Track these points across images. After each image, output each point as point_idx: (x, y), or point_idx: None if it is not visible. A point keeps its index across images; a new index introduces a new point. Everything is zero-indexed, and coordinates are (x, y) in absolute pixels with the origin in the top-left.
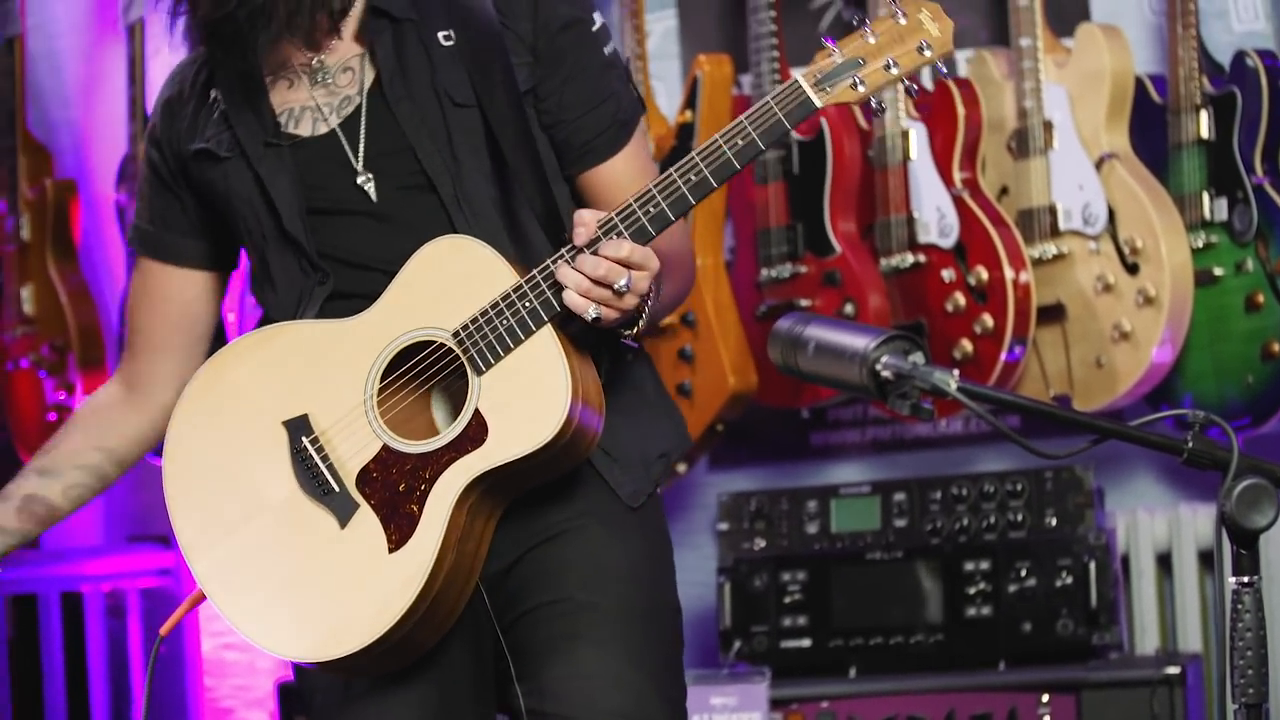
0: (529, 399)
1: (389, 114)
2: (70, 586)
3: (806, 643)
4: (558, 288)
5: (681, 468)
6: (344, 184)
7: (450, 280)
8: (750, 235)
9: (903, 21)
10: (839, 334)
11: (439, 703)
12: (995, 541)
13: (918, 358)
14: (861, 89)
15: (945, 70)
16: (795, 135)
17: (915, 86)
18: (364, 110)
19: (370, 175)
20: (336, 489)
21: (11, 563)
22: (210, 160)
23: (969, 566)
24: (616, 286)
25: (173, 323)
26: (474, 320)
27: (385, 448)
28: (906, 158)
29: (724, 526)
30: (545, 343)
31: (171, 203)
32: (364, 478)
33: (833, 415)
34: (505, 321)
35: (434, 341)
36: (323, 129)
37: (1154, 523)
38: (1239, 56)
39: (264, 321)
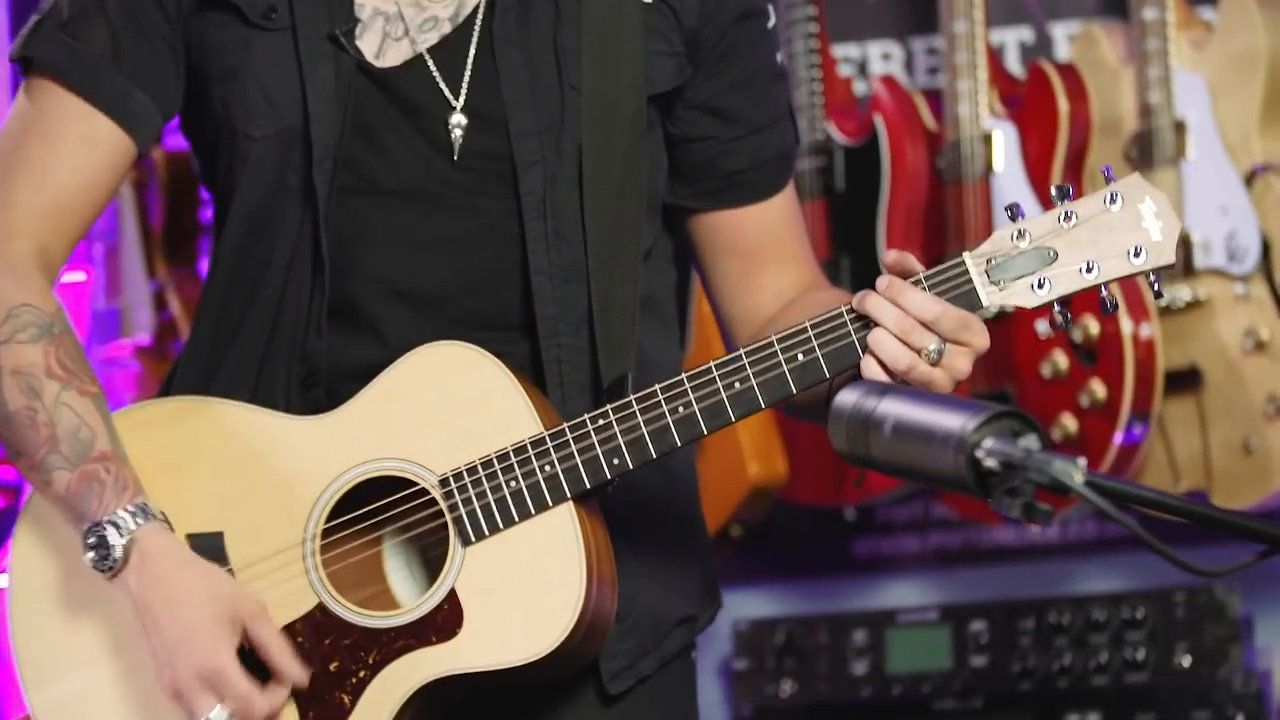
0: (527, 594)
1: (489, 62)
2: None
3: None
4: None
5: None
6: (411, 135)
7: (449, 405)
8: None
9: (1115, 209)
10: (925, 410)
11: None
12: (1108, 687)
13: (1031, 441)
14: (1042, 292)
15: (1159, 288)
16: (840, 138)
17: (1115, 301)
18: (455, 45)
19: (466, 120)
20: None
21: None
22: (233, 20)
23: None
24: (929, 350)
25: (88, 186)
26: (472, 470)
27: (321, 608)
28: (989, 169)
29: (741, 665)
30: (562, 523)
31: (148, 48)
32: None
33: (884, 515)
34: (514, 484)
35: (413, 482)
36: (398, 54)
37: None
38: None
39: (205, 286)
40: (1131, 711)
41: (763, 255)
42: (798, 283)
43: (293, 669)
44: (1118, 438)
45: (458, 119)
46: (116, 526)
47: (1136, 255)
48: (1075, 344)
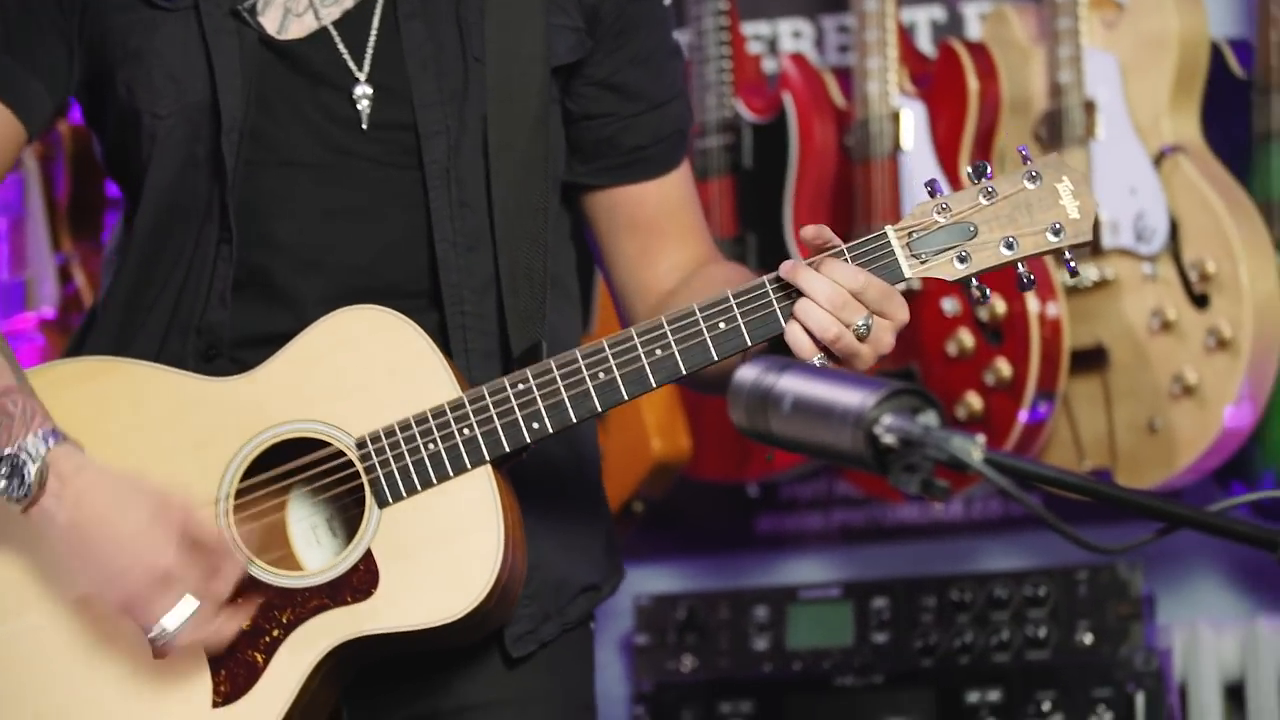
0: (443, 557)
1: (393, 34)
2: None
3: None
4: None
5: None
6: (316, 107)
7: (367, 369)
8: None
9: (1033, 188)
10: (826, 386)
11: None
12: (1009, 665)
13: (930, 418)
14: (963, 267)
15: (1074, 265)
16: (748, 115)
17: (1032, 276)
18: (358, 18)
19: (371, 90)
20: None
21: None
22: (135, 3)
23: (973, 698)
24: (857, 324)
25: None
26: (390, 433)
27: None
28: (897, 147)
29: (642, 640)
30: (479, 487)
31: (41, 36)
32: None
33: (788, 493)
34: (433, 446)
35: (327, 444)
36: (301, 28)
37: (1221, 642)
38: None
39: (117, 269)
40: (1032, 689)
41: (661, 230)
42: (695, 257)
43: (235, 553)
44: (1022, 416)
45: (362, 90)
46: (28, 453)
47: (1055, 233)
48: (981, 322)
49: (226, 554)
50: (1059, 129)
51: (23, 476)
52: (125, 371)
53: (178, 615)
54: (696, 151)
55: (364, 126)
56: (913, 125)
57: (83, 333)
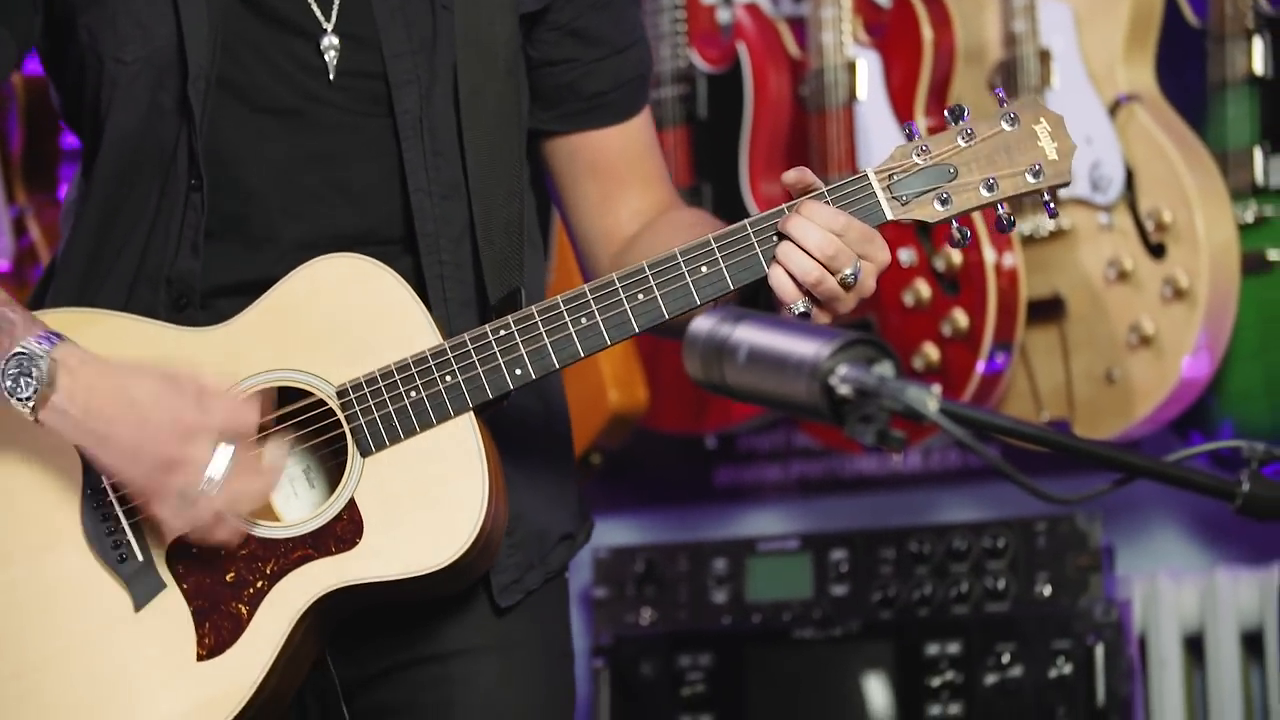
0: (427, 505)
1: None
2: None
3: None
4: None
5: None
6: (285, 55)
7: (346, 317)
8: None
9: (1011, 130)
10: (781, 336)
11: None
12: (968, 617)
13: (885, 369)
14: (944, 208)
15: (1054, 207)
16: (703, 65)
17: (1012, 218)
18: None
19: (338, 41)
20: (139, 558)
21: None
22: None
23: (932, 650)
24: (845, 273)
25: None
26: (371, 381)
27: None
28: (853, 97)
29: (601, 593)
30: (462, 434)
31: None
32: (180, 552)
33: (746, 444)
34: (415, 394)
35: (308, 393)
36: None
37: (1181, 593)
38: None
39: (76, 219)
40: (992, 641)
41: (622, 176)
42: (657, 203)
43: (247, 398)
44: (980, 367)
45: (330, 40)
46: (35, 350)
47: (1035, 174)
48: (938, 273)
49: (241, 399)
50: (1014, 78)
51: (31, 373)
52: (101, 322)
53: (218, 462)
54: (652, 102)
55: (330, 77)
56: (867, 75)
57: (43, 285)
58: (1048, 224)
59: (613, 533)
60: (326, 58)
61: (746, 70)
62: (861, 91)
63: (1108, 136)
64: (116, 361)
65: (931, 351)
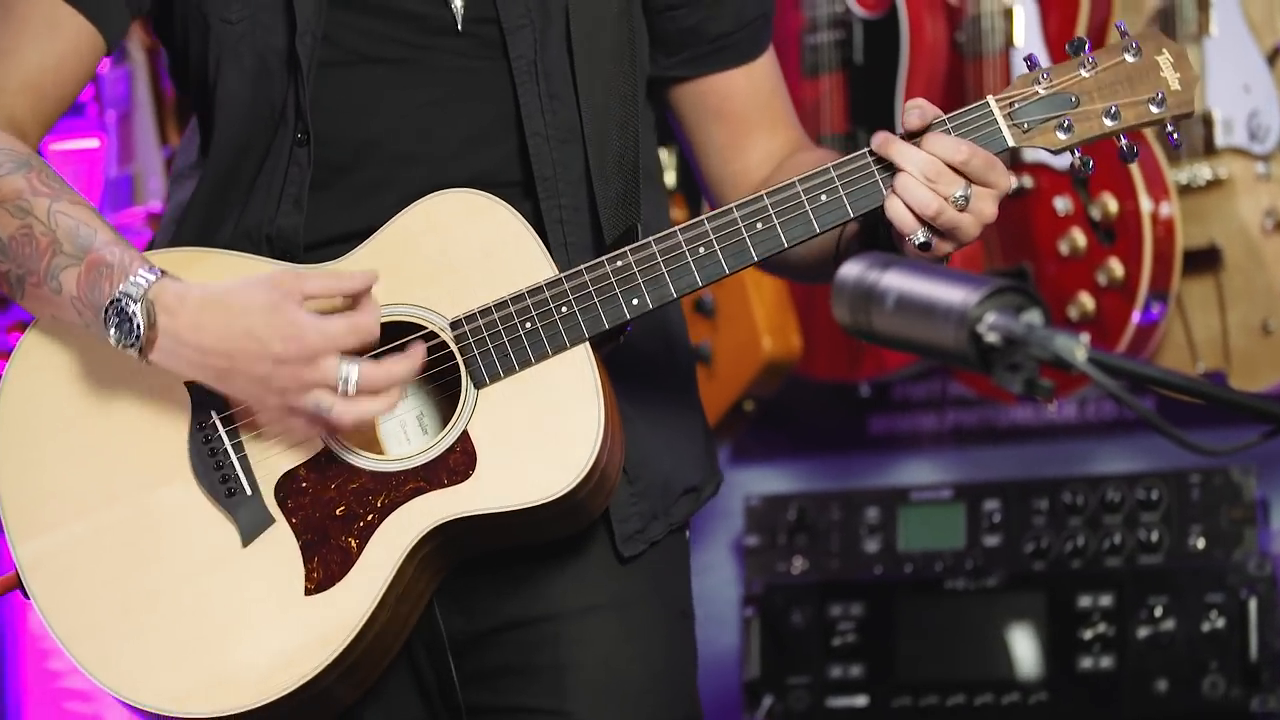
0: (542, 435)
1: None
2: None
3: (861, 701)
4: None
5: None
6: (394, 4)
7: (460, 252)
8: None
9: (1134, 60)
10: (930, 283)
11: None
12: (1121, 569)
13: (1034, 317)
14: (1066, 136)
15: (1177, 138)
16: (859, 11)
17: (1136, 148)
18: None
19: None
20: (247, 492)
21: None
22: None
23: (1084, 602)
24: (955, 195)
25: (54, 69)
26: (485, 313)
27: (327, 453)
28: (1010, 43)
29: (752, 541)
30: (578, 366)
31: None
32: (289, 486)
33: (901, 393)
34: (530, 325)
35: (422, 326)
36: None
37: None
38: None
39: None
40: (1144, 594)
41: (750, 119)
42: (786, 144)
43: (361, 276)
44: (1135, 317)
45: None
46: (129, 296)
47: (1158, 104)
48: (1094, 222)
49: (351, 279)
50: (1172, 26)
51: (131, 318)
52: (216, 260)
53: (348, 364)
54: (807, 47)
55: (459, 26)
56: (1024, 21)
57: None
58: (1205, 173)
59: (765, 481)
60: (454, 6)
61: (903, 16)
62: (1018, 38)
63: (1266, 85)
64: (211, 290)
65: (1087, 301)
